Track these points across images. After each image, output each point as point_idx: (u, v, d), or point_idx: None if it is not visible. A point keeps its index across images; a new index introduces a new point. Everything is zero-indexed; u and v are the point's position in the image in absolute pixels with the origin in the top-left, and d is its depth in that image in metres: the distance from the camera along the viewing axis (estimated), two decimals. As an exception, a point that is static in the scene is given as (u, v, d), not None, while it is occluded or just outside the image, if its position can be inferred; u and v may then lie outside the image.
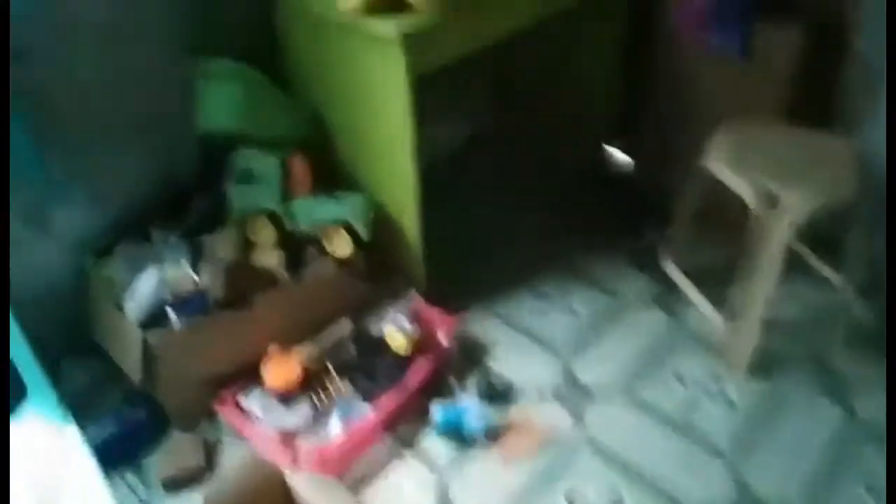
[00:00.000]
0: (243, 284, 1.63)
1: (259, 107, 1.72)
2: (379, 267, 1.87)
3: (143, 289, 1.55)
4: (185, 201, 1.76)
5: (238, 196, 1.75)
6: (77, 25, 1.54)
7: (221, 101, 1.69)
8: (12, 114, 1.40)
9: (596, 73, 2.30)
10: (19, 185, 1.51)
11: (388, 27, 1.46)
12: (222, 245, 1.71)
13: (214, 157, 1.76)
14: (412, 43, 1.50)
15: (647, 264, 2.08)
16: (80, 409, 1.72)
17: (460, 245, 2.15)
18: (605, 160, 2.50)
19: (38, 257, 1.64)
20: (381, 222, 1.84)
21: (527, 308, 1.98)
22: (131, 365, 1.59)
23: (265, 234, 1.75)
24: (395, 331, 1.70)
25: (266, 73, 1.78)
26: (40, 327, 1.63)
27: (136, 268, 1.66)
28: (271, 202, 1.73)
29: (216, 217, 1.76)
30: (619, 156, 2.50)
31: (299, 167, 1.75)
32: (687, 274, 1.99)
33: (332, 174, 1.91)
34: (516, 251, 2.17)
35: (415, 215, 1.79)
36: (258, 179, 1.72)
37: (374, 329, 1.77)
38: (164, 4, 1.68)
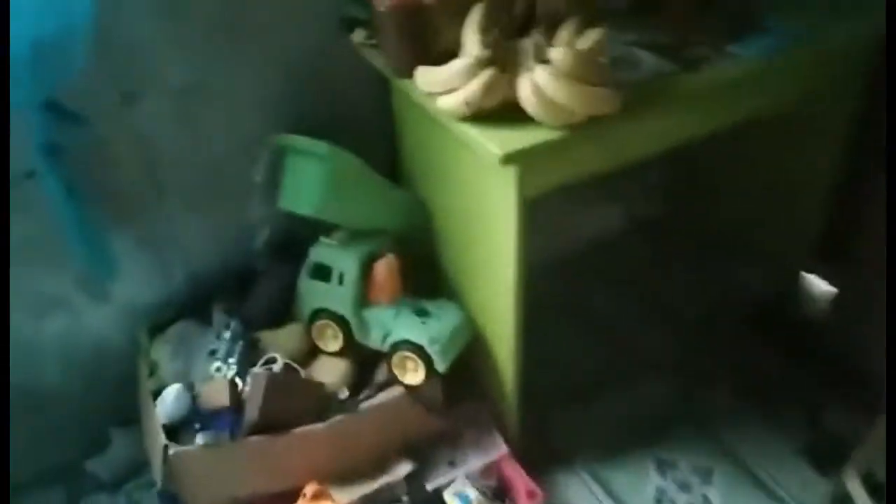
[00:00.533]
0: (287, 403, 1.36)
1: (348, 193, 1.43)
2: (459, 396, 1.52)
3: (170, 397, 1.34)
4: (252, 283, 1.54)
5: (308, 292, 1.48)
6: (148, 83, 1.35)
7: (304, 180, 1.42)
8: (67, 185, 1.25)
9: (803, 175, 1.73)
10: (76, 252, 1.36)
11: (491, 146, 1.09)
12: (281, 346, 1.46)
13: (293, 240, 1.51)
14: (526, 165, 1.13)
15: (823, 462, 1.53)
16: (117, 482, 1.61)
17: (567, 378, 1.73)
18: (794, 294, 1.91)
19: (91, 322, 1.49)
20: (473, 342, 1.50)
21: (643, 480, 1.53)
22: (155, 464, 1.40)
23: (331, 344, 1.47)
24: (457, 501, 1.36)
25: (376, 160, 1.49)
26: (90, 393, 1.55)
27: (185, 355, 1.46)
28: (343, 306, 1.45)
29: (282, 309, 1.52)
30: (814, 289, 1.91)
31: (385, 270, 1.44)
32: (876, 493, 1.43)
33: (429, 275, 1.59)
34: (639, 397, 1.70)
35: (513, 347, 1.42)
36: (333, 277, 1.44)
37: (436, 481, 1.43)
38: (263, 70, 1.45)
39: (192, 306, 1.54)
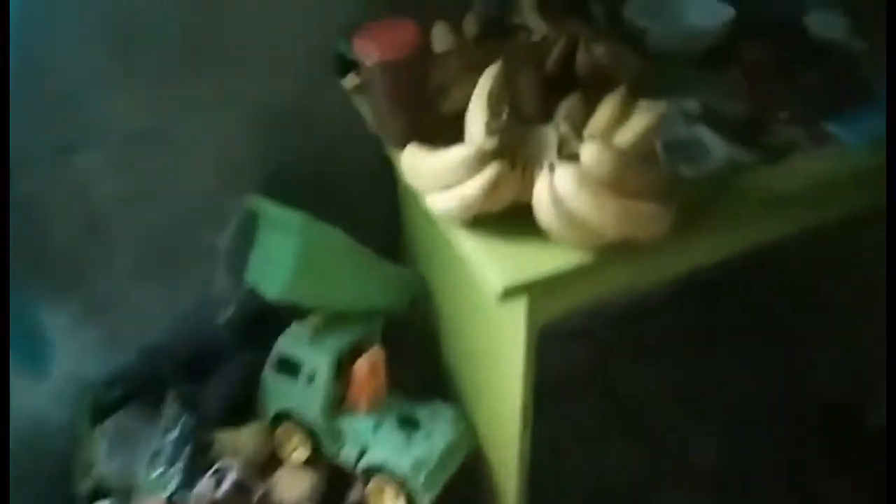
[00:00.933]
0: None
1: (325, 273, 1.15)
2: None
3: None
4: (214, 364, 1.28)
5: (273, 389, 1.22)
6: (91, 131, 1.09)
7: (273, 256, 1.15)
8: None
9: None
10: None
11: (490, 272, 0.80)
12: (238, 450, 1.21)
13: (264, 319, 1.25)
14: (536, 294, 0.83)
15: None
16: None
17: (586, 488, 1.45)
18: (874, 395, 1.57)
19: (27, 399, 1.26)
20: (470, 458, 1.22)
21: None
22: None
23: (295, 454, 1.21)
24: None
25: (372, 228, 1.22)
26: (26, 475, 1.30)
27: (125, 453, 1.21)
28: (312, 411, 1.18)
29: (245, 403, 1.26)
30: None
31: (367, 370, 1.17)
32: None
33: (428, 358, 1.32)
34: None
35: (517, 478, 1.14)
36: (302, 375, 1.18)
37: None
38: (231, 117, 1.18)
39: (145, 384, 1.28)
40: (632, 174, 0.78)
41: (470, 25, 1.09)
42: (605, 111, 0.86)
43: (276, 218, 1.13)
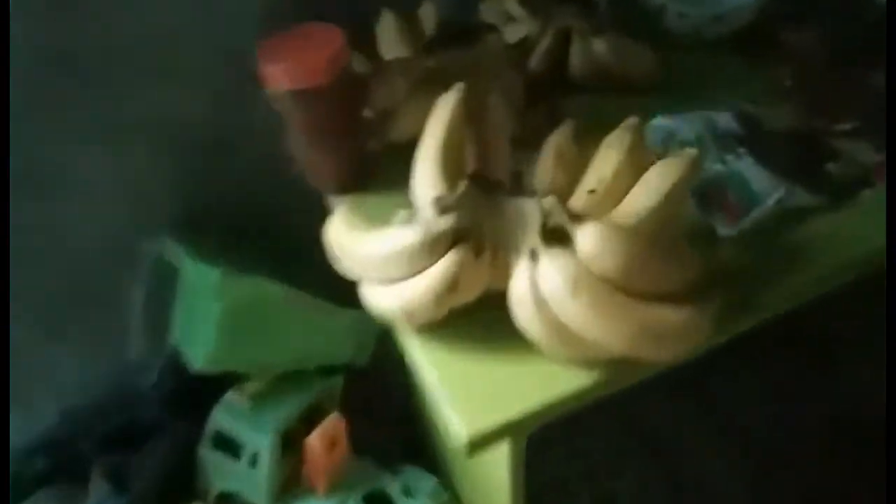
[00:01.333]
0: None
1: (259, 335, 0.92)
2: None
3: None
4: (143, 435, 1.07)
5: (213, 468, 1.01)
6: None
7: (194, 318, 0.93)
8: None
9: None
10: None
11: (451, 413, 0.56)
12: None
13: (197, 385, 1.03)
14: (517, 433, 0.60)
15: None
16: None
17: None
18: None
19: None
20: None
21: None
22: None
23: (246, 542, 1.01)
24: None
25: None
26: None
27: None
28: (257, 496, 0.97)
29: (182, 480, 1.06)
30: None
31: (320, 445, 0.95)
32: None
33: (399, 429, 1.10)
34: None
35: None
36: (244, 455, 0.97)
37: None
38: (140, 142, 0.91)
39: (68, 456, 1.08)
40: (653, 264, 0.53)
41: (428, 17, 0.82)
42: (608, 157, 0.60)
43: (190, 274, 0.89)
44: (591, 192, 0.59)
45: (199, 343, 0.91)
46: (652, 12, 0.84)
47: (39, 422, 1.08)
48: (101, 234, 0.96)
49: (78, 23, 0.82)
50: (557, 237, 0.55)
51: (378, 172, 0.76)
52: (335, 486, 0.98)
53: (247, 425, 0.95)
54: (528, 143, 0.65)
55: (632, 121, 0.62)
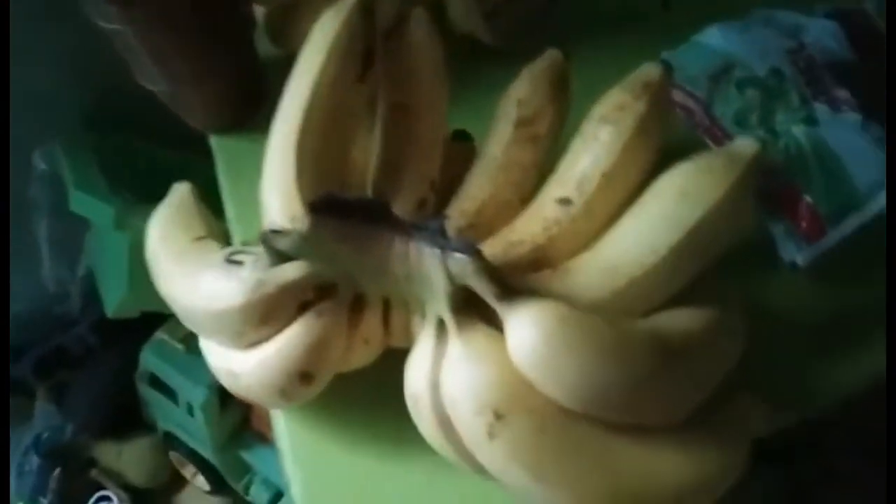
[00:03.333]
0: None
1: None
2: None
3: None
4: (77, 363, 0.91)
5: (154, 405, 0.86)
6: None
7: (103, 253, 0.72)
8: None
9: None
10: None
11: None
12: (128, 470, 0.89)
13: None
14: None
15: None
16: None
17: None
18: None
19: None
20: None
21: None
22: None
23: (197, 480, 0.89)
24: None
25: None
26: None
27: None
28: (201, 445, 0.83)
29: (124, 409, 0.91)
30: None
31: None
32: None
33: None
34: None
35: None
36: (180, 402, 0.81)
37: None
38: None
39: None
40: (653, 384, 0.29)
41: None
42: (601, 138, 0.33)
43: (82, 205, 0.67)
44: (564, 201, 0.33)
45: (109, 285, 0.72)
46: None
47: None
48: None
49: None
50: (479, 309, 0.30)
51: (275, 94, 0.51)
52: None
53: (180, 373, 0.78)
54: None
55: (650, 71, 0.34)
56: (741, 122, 0.41)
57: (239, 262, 0.32)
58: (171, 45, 0.43)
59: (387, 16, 0.46)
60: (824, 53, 0.43)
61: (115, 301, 0.71)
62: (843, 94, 0.41)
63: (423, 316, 0.32)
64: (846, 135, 0.39)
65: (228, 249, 0.34)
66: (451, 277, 0.29)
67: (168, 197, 0.40)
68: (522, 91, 0.37)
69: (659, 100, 0.33)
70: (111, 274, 0.71)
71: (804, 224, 0.37)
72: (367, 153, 0.39)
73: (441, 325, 0.31)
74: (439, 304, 0.30)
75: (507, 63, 0.48)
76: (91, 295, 0.82)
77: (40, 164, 0.74)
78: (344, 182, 0.37)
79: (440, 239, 0.29)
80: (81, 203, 0.66)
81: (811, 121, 0.40)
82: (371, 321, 0.33)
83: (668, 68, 0.34)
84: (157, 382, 0.82)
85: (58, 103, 0.75)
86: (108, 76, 0.71)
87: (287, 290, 0.31)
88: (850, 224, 0.37)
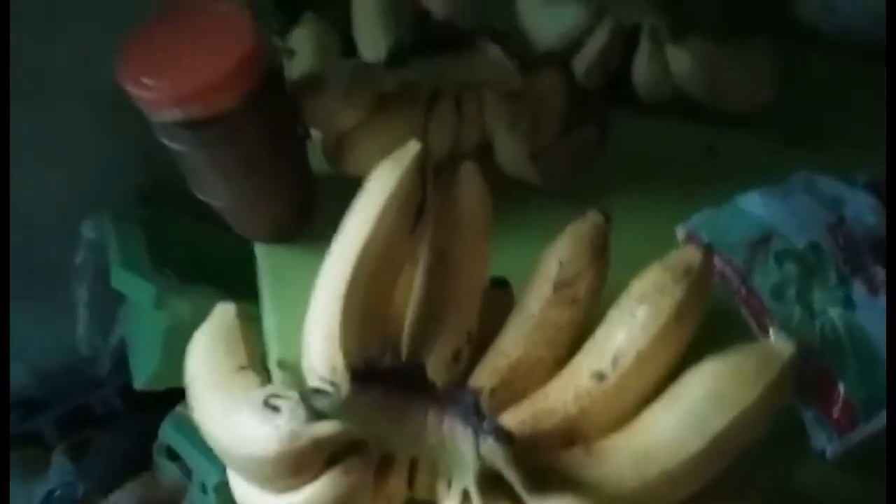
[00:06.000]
0: None
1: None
2: None
3: None
4: (100, 423, 0.93)
5: (171, 477, 0.86)
6: None
7: (137, 329, 0.74)
8: None
9: None
10: None
11: None
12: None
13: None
14: None
15: None
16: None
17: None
18: None
19: None
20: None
21: None
22: None
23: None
24: None
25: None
26: None
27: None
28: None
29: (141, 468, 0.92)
30: None
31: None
32: None
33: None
34: None
35: None
36: (194, 480, 0.81)
37: None
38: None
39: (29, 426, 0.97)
40: None
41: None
42: (645, 309, 0.34)
43: (123, 282, 0.70)
44: (598, 375, 0.34)
45: (141, 358, 0.74)
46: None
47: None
48: (48, 207, 0.79)
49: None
50: (506, 488, 0.31)
51: (323, 207, 0.53)
52: None
53: (197, 451, 0.79)
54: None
55: (692, 256, 0.35)
56: (778, 296, 0.41)
57: (276, 408, 0.33)
58: (236, 165, 0.45)
59: (441, 150, 0.48)
60: (864, 229, 0.44)
61: (145, 376, 0.73)
62: (881, 274, 0.42)
63: (450, 482, 0.33)
64: (883, 321, 0.39)
65: (268, 390, 0.34)
66: (480, 458, 0.30)
67: (213, 315, 0.41)
68: (564, 252, 0.38)
69: (698, 288, 0.34)
70: (144, 348, 0.73)
71: (836, 414, 0.37)
72: (408, 294, 0.40)
73: (466, 496, 0.31)
74: (467, 478, 0.31)
75: (552, 203, 0.50)
76: (121, 360, 0.84)
77: (88, 232, 0.76)
78: (385, 328, 0.38)
79: (473, 417, 0.30)
80: (123, 281, 0.68)
81: (848, 303, 0.40)
82: (397, 480, 0.34)
83: (709, 251, 0.35)
84: (173, 456, 0.82)
85: (111, 174, 0.78)
86: (163, 152, 0.75)
87: (320, 445, 0.32)
88: (883, 419, 0.37)
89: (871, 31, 0.54)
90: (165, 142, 0.44)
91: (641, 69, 0.48)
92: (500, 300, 0.41)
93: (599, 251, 0.38)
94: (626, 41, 0.49)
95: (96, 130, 0.74)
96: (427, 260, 0.39)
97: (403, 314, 0.39)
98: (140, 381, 0.74)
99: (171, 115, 0.41)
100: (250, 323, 0.41)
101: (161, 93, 0.40)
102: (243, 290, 0.58)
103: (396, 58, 0.44)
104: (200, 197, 0.48)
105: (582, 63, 0.50)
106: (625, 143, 0.53)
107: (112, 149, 0.76)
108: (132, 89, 0.41)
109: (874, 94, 0.52)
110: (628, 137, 0.53)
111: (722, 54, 0.47)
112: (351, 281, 0.36)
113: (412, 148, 0.39)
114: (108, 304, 0.80)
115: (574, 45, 0.49)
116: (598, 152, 0.53)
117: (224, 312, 0.41)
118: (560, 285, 0.38)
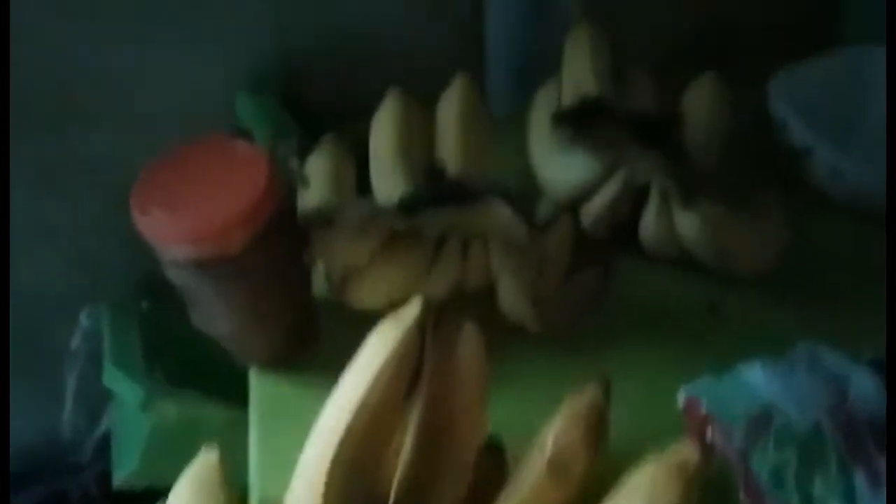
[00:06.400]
0: None
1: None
2: None
3: None
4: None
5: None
6: None
7: (122, 424, 0.73)
8: None
9: None
10: None
11: None
12: None
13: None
14: None
15: None
16: None
17: None
18: None
19: None
20: None
21: None
22: None
23: None
24: None
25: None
26: None
27: None
28: None
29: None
30: None
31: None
32: None
33: None
34: None
35: None
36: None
37: None
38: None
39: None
40: None
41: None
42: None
43: (116, 382, 0.69)
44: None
45: (124, 454, 0.72)
46: (791, 155, 0.53)
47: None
48: (48, 290, 0.79)
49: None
50: None
51: (323, 330, 0.53)
52: None
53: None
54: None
55: (688, 455, 0.34)
56: (777, 482, 0.40)
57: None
58: (241, 298, 0.45)
59: (444, 289, 0.48)
60: (867, 411, 0.43)
61: (124, 474, 0.71)
62: (882, 465, 0.41)
63: None
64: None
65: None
66: None
67: (196, 463, 0.41)
68: (560, 430, 0.38)
69: (691, 487, 0.33)
70: (126, 446, 0.71)
71: None
72: (399, 454, 0.39)
73: None
74: None
75: (552, 351, 0.50)
76: (103, 450, 0.83)
77: (85, 321, 0.76)
78: (373, 490, 0.37)
79: None
80: (114, 379, 0.68)
81: (849, 497, 0.39)
82: None
83: (708, 454, 0.35)
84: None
85: (113, 266, 0.78)
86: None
87: None
88: None
89: (878, 196, 0.54)
90: (171, 275, 0.44)
91: (649, 226, 0.49)
92: (493, 462, 0.41)
93: (596, 431, 0.38)
94: (636, 195, 0.49)
95: (104, 219, 0.75)
96: (420, 421, 0.39)
97: (393, 475, 0.38)
98: (120, 478, 0.72)
99: (180, 252, 0.42)
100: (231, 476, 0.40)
101: (171, 230, 0.41)
102: (234, 392, 0.58)
103: (408, 207, 0.45)
104: (199, 327, 0.47)
105: (590, 213, 0.50)
106: (627, 293, 0.53)
107: (118, 237, 0.77)
108: (142, 223, 0.41)
109: (880, 258, 0.52)
110: (631, 287, 0.53)
111: (730, 220, 0.48)
112: (340, 443, 0.35)
113: (414, 306, 0.39)
114: (98, 392, 0.79)
115: (584, 195, 0.50)
116: (601, 300, 0.53)
117: (206, 461, 0.40)
118: (554, 464, 0.37)
